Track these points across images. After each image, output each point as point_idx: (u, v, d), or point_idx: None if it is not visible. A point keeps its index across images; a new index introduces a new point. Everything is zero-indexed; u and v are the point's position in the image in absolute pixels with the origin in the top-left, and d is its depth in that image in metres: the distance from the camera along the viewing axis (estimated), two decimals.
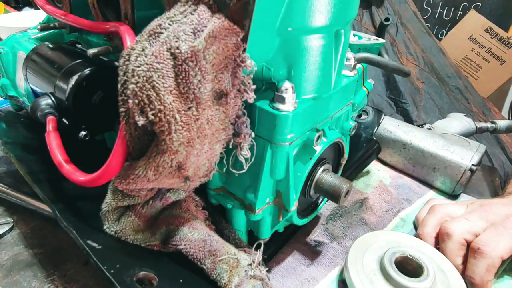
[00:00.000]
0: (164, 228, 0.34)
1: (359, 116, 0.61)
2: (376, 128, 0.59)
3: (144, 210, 0.34)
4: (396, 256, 0.40)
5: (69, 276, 0.39)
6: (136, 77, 0.25)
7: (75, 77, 0.41)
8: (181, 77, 0.25)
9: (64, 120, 0.43)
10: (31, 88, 0.50)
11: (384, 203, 0.57)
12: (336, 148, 0.44)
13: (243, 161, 0.33)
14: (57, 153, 0.34)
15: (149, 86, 0.25)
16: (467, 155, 0.57)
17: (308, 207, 0.44)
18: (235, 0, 0.27)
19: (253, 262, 0.35)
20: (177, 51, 0.25)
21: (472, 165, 0.56)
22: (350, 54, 0.40)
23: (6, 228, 0.45)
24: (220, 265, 0.32)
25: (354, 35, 0.55)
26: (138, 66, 0.25)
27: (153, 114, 0.25)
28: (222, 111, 0.29)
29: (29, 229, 0.45)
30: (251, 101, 0.30)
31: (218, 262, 0.32)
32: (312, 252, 0.47)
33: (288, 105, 0.31)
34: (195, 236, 0.33)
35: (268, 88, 0.34)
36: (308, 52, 0.32)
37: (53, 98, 0.43)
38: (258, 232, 0.40)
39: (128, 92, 0.26)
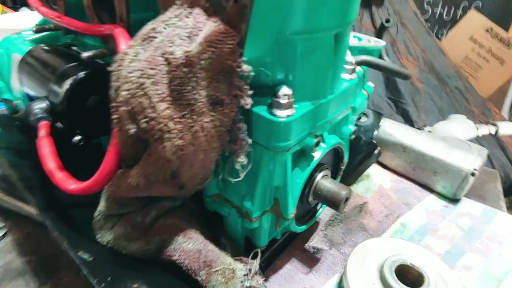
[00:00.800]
0: (158, 238, 0.33)
1: (359, 119, 0.60)
2: (376, 131, 0.58)
3: (138, 219, 0.33)
4: (396, 264, 0.39)
5: (62, 285, 0.38)
6: (129, 84, 0.24)
7: (69, 81, 0.40)
8: (175, 83, 0.24)
9: (58, 124, 0.42)
10: (26, 92, 0.49)
11: (384, 208, 0.56)
12: (336, 153, 0.43)
13: (240, 168, 0.32)
14: (49, 160, 0.33)
15: (141, 93, 0.24)
16: (468, 159, 0.57)
17: (306, 214, 0.43)
18: (231, 3, 0.26)
19: (250, 271, 0.34)
20: (171, 56, 0.24)
21: (474, 169, 0.55)
22: (350, 58, 0.39)
23: None
24: (215, 276, 0.31)
25: (354, 37, 0.55)
26: (130, 72, 0.25)
27: (145, 122, 0.24)
28: (218, 118, 0.28)
29: (22, 235, 0.44)
30: (248, 107, 0.29)
31: (213, 274, 0.31)
32: (311, 259, 0.46)
33: (286, 111, 0.30)
34: (190, 246, 0.32)
35: (265, 93, 0.33)
36: (307, 56, 0.31)
37: (47, 102, 0.42)
38: (255, 240, 0.40)
39: (121, 98, 0.25)
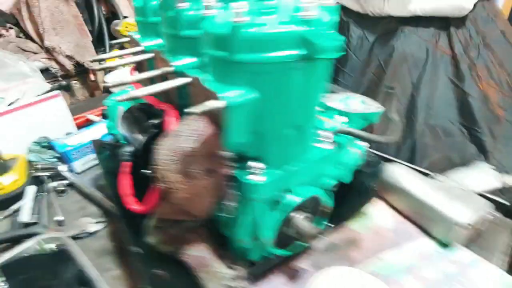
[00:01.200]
0: (179, 245, 0.53)
1: (368, 165, 0.70)
2: (376, 178, 0.68)
3: (171, 232, 0.53)
4: None
5: (130, 263, 0.62)
6: (160, 164, 0.44)
7: (146, 135, 0.63)
8: (184, 165, 0.43)
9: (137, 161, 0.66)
10: (123, 133, 0.75)
11: (373, 243, 0.66)
12: (317, 199, 0.57)
13: (230, 209, 0.50)
14: (125, 188, 0.56)
15: (166, 168, 0.44)
16: (462, 212, 0.63)
17: (291, 241, 0.58)
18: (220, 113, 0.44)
19: (234, 276, 0.52)
20: (183, 150, 0.43)
21: (463, 222, 0.62)
22: (328, 134, 0.53)
23: (103, 226, 0.70)
24: (206, 274, 0.50)
25: (362, 102, 0.66)
26: (164, 155, 0.44)
27: (165, 183, 0.44)
28: (212, 181, 0.46)
29: (113, 228, 0.70)
30: (231, 174, 0.46)
31: (205, 272, 0.50)
32: (295, 277, 0.60)
33: (258, 178, 0.47)
34: (195, 253, 0.51)
35: (247, 161, 0.49)
36: (275, 142, 0.46)
37: (133, 147, 0.66)
38: (249, 255, 0.57)
39: (156, 168, 0.45)
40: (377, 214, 0.72)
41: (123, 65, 0.48)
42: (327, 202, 0.58)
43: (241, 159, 0.48)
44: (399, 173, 0.73)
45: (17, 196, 0.76)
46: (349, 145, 0.61)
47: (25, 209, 0.73)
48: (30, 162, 0.83)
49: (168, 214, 0.50)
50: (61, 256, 0.57)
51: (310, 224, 0.53)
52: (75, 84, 1.20)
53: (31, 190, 0.78)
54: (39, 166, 0.82)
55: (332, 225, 0.67)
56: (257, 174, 0.47)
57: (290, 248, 0.59)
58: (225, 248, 0.58)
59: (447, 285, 0.59)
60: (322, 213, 0.59)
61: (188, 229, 0.55)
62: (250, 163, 0.47)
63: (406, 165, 0.77)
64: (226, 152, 0.44)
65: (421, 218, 0.69)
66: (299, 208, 0.54)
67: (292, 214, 0.53)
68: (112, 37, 1.43)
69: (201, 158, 0.44)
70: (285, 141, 0.47)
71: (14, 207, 0.74)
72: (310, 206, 0.57)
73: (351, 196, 0.69)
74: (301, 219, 0.54)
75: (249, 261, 0.58)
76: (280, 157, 0.48)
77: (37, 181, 0.81)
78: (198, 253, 0.52)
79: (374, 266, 0.62)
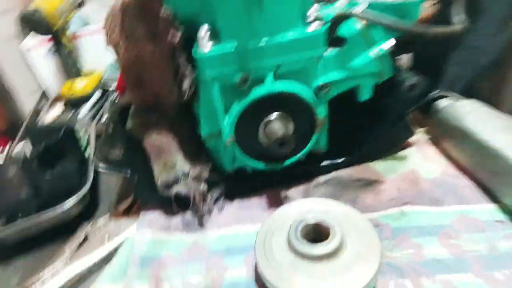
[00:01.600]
0: (145, 132, 0.49)
1: (411, 89, 0.51)
2: (416, 107, 0.49)
3: (143, 120, 0.51)
4: (302, 225, 0.38)
5: None
6: (105, 26, 0.42)
7: None
8: (121, 21, 0.40)
9: None
10: None
11: (396, 191, 0.48)
12: (305, 105, 0.44)
13: (186, 90, 0.44)
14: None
15: (108, 27, 0.41)
16: None
17: (271, 157, 0.48)
18: None
19: (191, 173, 0.46)
20: (115, 5, 0.40)
21: None
22: (312, 10, 0.40)
23: None
24: (160, 163, 0.46)
25: None
26: (106, 18, 0.42)
27: (110, 44, 0.42)
28: (159, 47, 0.41)
29: None
30: (175, 40, 0.40)
31: (160, 161, 0.46)
32: (276, 202, 0.49)
33: (205, 48, 0.39)
34: (156, 142, 0.48)
35: None
36: (226, 5, 0.37)
37: None
38: (222, 163, 0.50)
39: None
40: (417, 159, 0.53)
41: None
42: (315, 109, 0.44)
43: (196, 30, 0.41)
44: (464, 109, 0.51)
45: (86, 99, 0.89)
46: (360, 41, 0.44)
47: (85, 109, 0.85)
48: (103, 76, 0.96)
49: (132, 91, 0.47)
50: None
51: (282, 126, 0.42)
52: None
53: (95, 95, 0.89)
54: (108, 80, 0.94)
55: (347, 159, 0.53)
56: (204, 46, 0.39)
57: (268, 164, 0.49)
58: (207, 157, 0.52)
59: (497, 264, 0.38)
60: (312, 125, 0.46)
61: (162, 119, 0.51)
62: (199, 33, 0.39)
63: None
64: (166, 12, 0.38)
65: (482, 172, 0.46)
66: (274, 107, 0.43)
67: (264, 113, 0.44)
68: None
69: (136, 17, 0.39)
70: (239, 4, 0.37)
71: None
72: (292, 110, 0.45)
73: (379, 126, 0.52)
74: (271, 118, 0.43)
75: (227, 174, 0.51)
76: (235, 26, 0.38)
77: (103, 90, 0.92)
78: (160, 143, 0.48)
79: (385, 214, 0.46)
